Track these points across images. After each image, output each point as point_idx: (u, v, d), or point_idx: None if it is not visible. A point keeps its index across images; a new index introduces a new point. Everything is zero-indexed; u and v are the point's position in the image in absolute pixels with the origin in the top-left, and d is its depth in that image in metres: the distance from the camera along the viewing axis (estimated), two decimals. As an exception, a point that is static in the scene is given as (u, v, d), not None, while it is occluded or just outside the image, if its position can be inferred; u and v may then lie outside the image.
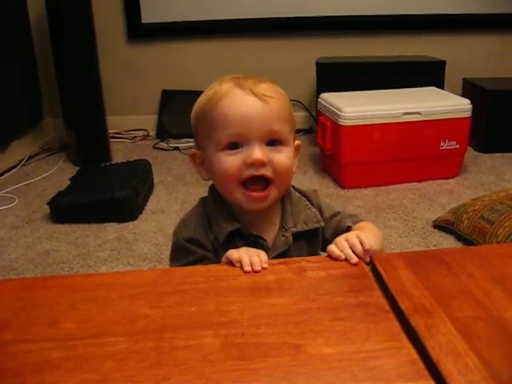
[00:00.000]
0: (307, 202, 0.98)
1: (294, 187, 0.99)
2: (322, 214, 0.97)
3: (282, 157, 0.87)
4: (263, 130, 0.85)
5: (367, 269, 0.76)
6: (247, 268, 0.75)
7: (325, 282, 0.72)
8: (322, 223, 0.96)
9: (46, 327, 0.64)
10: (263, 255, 0.78)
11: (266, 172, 0.86)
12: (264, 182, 0.87)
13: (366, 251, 0.78)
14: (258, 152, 0.84)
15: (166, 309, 0.67)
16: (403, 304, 0.66)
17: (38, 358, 0.59)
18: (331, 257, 0.79)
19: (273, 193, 0.89)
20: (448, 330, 0.61)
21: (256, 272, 0.75)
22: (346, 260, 0.77)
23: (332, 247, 0.80)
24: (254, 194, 0.87)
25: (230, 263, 0.78)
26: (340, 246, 0.79)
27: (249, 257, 0.77)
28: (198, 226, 0.92)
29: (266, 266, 0.76)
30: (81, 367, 0.57)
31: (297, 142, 0.95)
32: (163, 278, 0.75)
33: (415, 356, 0.58)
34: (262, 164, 0.85)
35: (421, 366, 0.56)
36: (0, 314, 0.67)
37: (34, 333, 0.64)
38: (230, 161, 0.86)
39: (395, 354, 0.58)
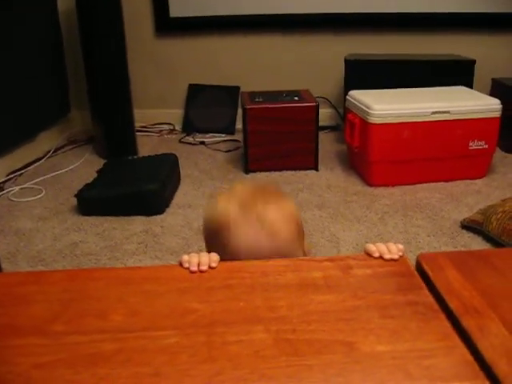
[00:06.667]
0: None
1: None
2: None
3: None
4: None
5: (413, 268, 0.75)
6: (193, 268, 0.75)
7: (372, 279, 0.72)
8: None
9: (95, 319, 0.65)
10: (214, 256, 0.77)
11: None
12: None
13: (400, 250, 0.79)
14: None
15: (215, 303, 0.67)
16: (453, 304, 0.65)
17: (89, 350, 0.59)
18: (366, 252, 0.79)
19: None
20: (500, 331, 0.60)
21: (202, 272, 0.74)
22: (381, 257, 0.77)
23: (369, 244, 0.81)
24: None
25: (180, 264, 0.76)
26: (377, 245, 0.80)
27: (198, 258, 0.76)
28: None
29: (214, 265, 0.75)
30: (133, 360, 0.58)
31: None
32: (209, 272, 0.74)
33: (469, 356, 0.57)
34: None
35: (475, 366, 0.56)
36: (49, 304, 0.68)
37: (85, 324, 0.64)
38: None
39: (449, 353, 0.58)
